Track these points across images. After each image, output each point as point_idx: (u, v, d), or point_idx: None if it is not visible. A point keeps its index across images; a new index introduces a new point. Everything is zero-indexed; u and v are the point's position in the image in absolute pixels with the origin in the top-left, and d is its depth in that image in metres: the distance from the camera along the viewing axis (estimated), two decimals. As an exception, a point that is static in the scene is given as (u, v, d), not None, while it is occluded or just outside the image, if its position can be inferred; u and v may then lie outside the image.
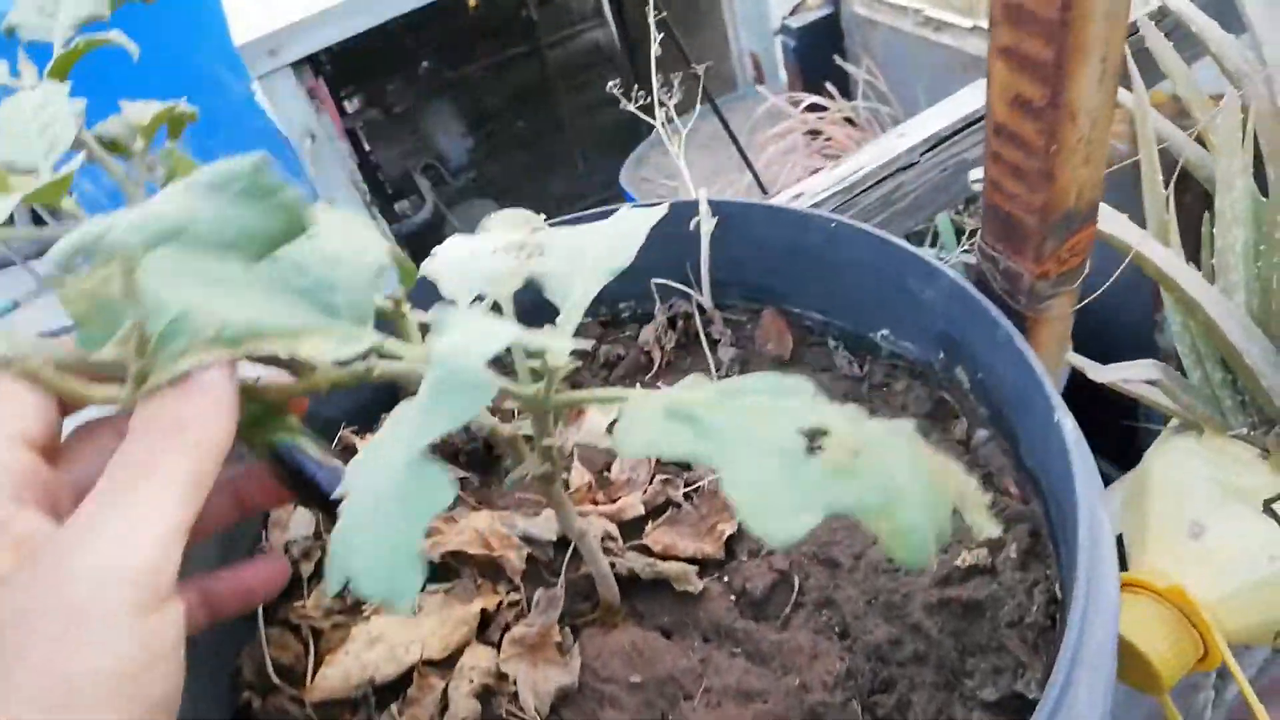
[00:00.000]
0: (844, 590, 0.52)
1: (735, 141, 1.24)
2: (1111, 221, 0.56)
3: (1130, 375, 0.67)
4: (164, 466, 0.31)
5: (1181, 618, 0.68)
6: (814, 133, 1.56)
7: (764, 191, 1.29)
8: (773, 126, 1.67)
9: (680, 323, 0.67)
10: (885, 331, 0.60)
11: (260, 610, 0.55)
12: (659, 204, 0.50)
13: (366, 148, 2.24)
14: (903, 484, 0.30)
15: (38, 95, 0.44)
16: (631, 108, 0.74)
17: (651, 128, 0.79)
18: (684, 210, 0.63)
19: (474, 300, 0.45)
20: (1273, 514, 0.64)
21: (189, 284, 0.36)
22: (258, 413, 0.41)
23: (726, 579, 0.56)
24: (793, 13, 1.72)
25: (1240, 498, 0.67)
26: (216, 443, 0.33)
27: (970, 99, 0.80)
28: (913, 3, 1.60)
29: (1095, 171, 0.43)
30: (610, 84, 0.75)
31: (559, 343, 0.40)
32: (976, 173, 0.58)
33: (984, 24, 1.47)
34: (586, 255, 0.47)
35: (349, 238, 0.41)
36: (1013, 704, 0.44)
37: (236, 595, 0.42)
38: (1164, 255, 0.58)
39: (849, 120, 1.58)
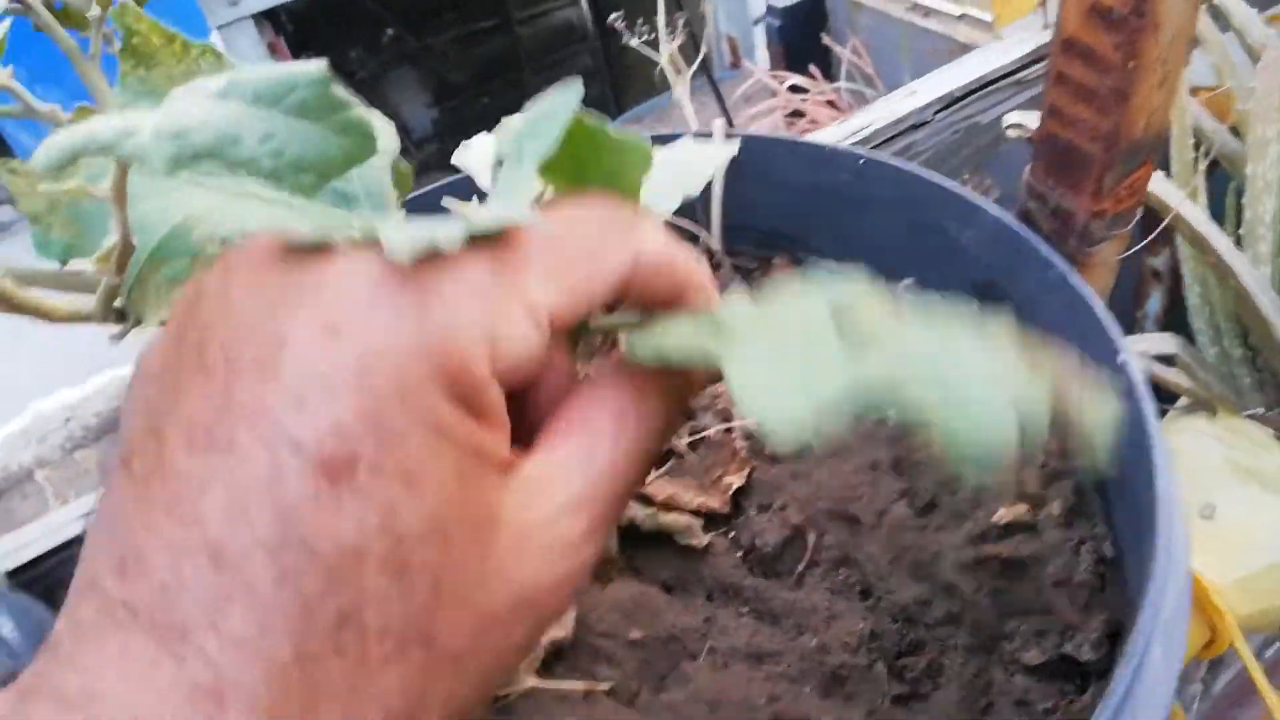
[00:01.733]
0: (865, 548, 0.49)
1: (725, 113, 1.20)
2: (1152, 182, 0.54)
3: (1148, 348, 0.65)
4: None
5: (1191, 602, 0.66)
6: (797, 114, 1.53)
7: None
8: (751, 108, 1.64)
9: (686, 266, 0.62)
10: (909, 281, 0.56)
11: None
12: (733, 139, 0.45)
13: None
14: (967, 367, 0.25)
15: None
16: (635, 43, 0.70)
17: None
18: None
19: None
20: (1290, 492, 0.61)
21: (187, 188, 0.30)
22: None
23: (733, 534, 0.52)
24: (778, -8, 1.69)
25: (1255, 479, 0.65)
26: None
27: (984, 61, 0.77)
28: (900, -11, 1.58)
29: (1168, 97, 0.40)
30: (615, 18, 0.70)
31: None
32: (1014, 116, 0.54)
33: (973, 11, 1.45)
34: (654, 179, 0.42)
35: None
36: (1060, 668, 0.41)
37: None
38: (1200, 217, 0.55)
39: (831, 103, 1.55)
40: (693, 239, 0.62)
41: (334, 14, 2.23)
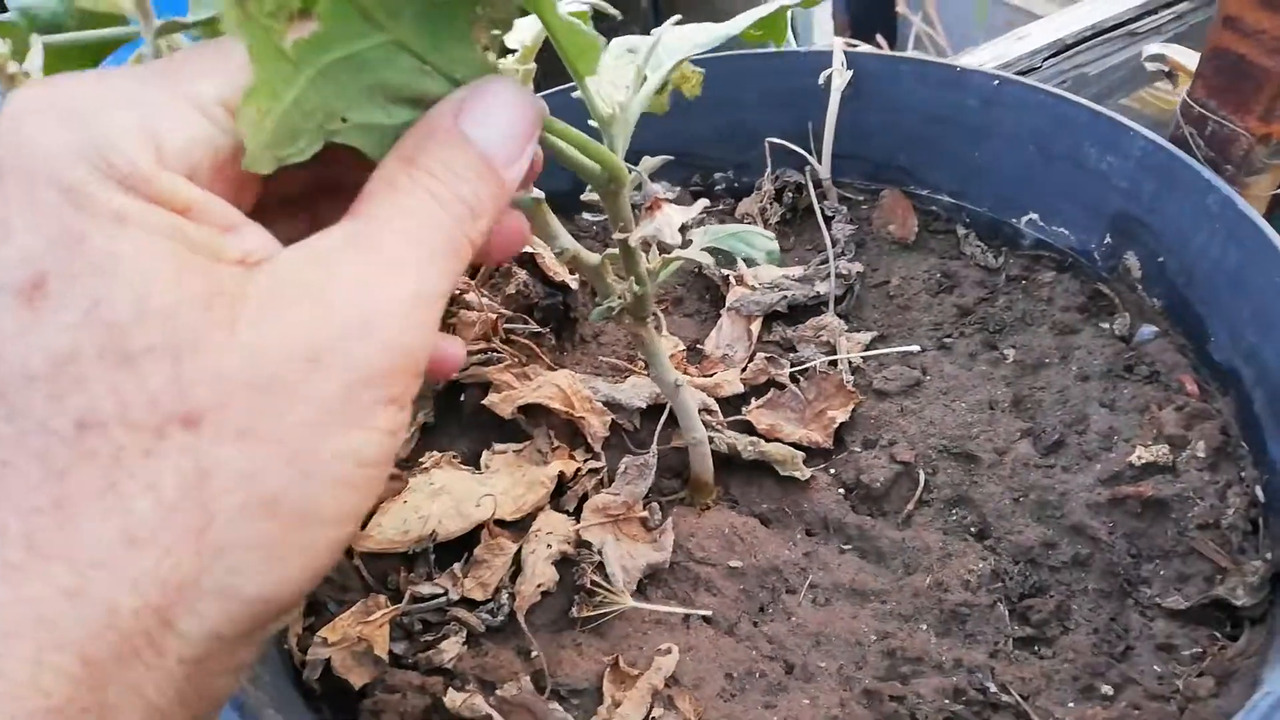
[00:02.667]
0: (983, 487, 0.46)
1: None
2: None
3: None
4: (432, 232, 0.23)
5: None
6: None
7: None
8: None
9: (789, 196, 0.60)
10: (1033, 216, 0.53)
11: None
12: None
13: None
14: None
15: None
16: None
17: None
18: (811, 61, 0.56)
19: None
20: None
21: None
22: None
23: (835, 471, 0.49)
24: (851, -41, 1.65)
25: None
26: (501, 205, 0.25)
27: (1097, 9, 0.74)
28: (979, -41, 1.53)
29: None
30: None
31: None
32: (1154, 47, 0.51)
33: (1056, -15, 1.41)
34: (696, 31, 0.39)
35: None
36: (1208, 615, 0.38)
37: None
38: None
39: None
40: (800, 165, 0.59)
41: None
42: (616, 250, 0.37)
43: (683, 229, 0.35)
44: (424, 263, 0.23)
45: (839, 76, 0.55)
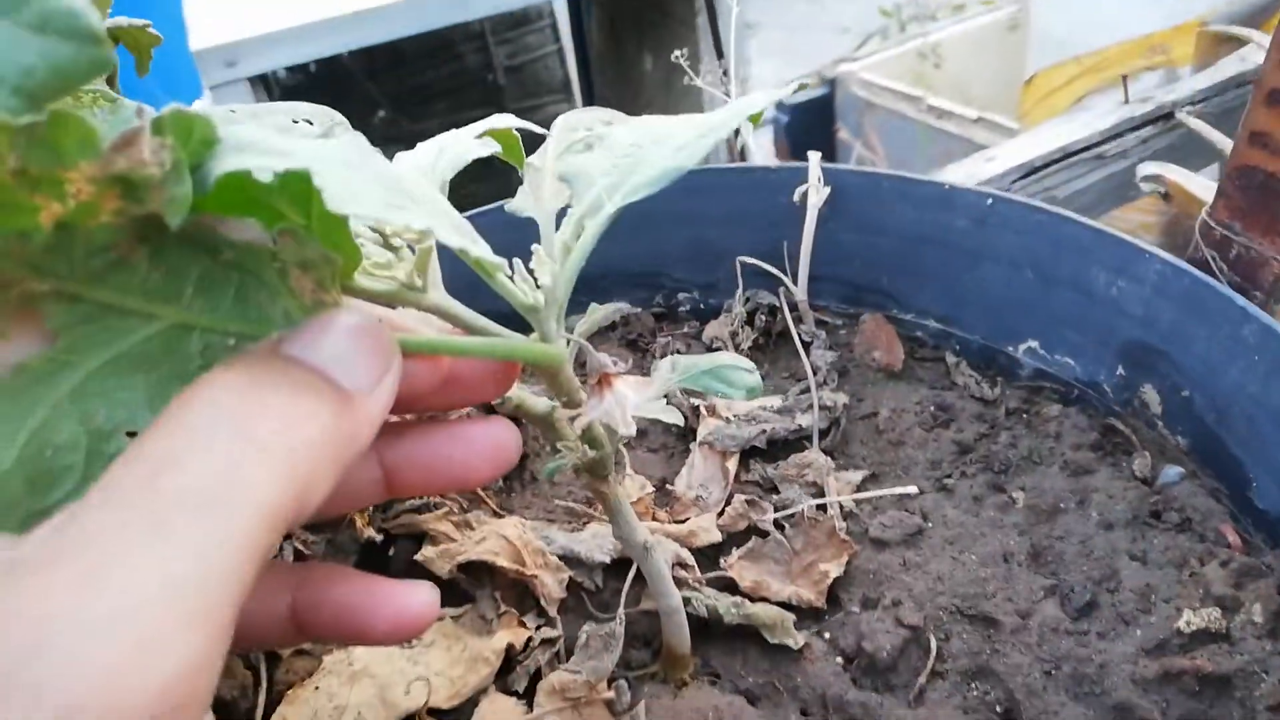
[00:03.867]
0: (1006, 656, 0.39)
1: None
2: None
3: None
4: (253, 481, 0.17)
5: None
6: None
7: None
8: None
9: (762, 319, 0.54)
10: (1033, 344, 0.48)
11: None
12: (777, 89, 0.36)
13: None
14: None
15: None
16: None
17: None
18: (786, 177, 0.52)
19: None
20: None
21: None
22: None
23: (831, 636, 0.42)
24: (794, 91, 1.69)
25: None
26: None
27: (1065, 133, 0.72)
28: (915, 90, 1.57)
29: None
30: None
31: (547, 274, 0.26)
32: (1147, 168, 0.48)
33: (989, 115, 1.44)
34: (645, 150, 0.33)
35: None
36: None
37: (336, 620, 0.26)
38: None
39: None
40: (773, 286, 0.54)
41: (331, 91, 2.20)
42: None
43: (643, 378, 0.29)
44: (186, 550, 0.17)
45: (816, 193, 0.51)
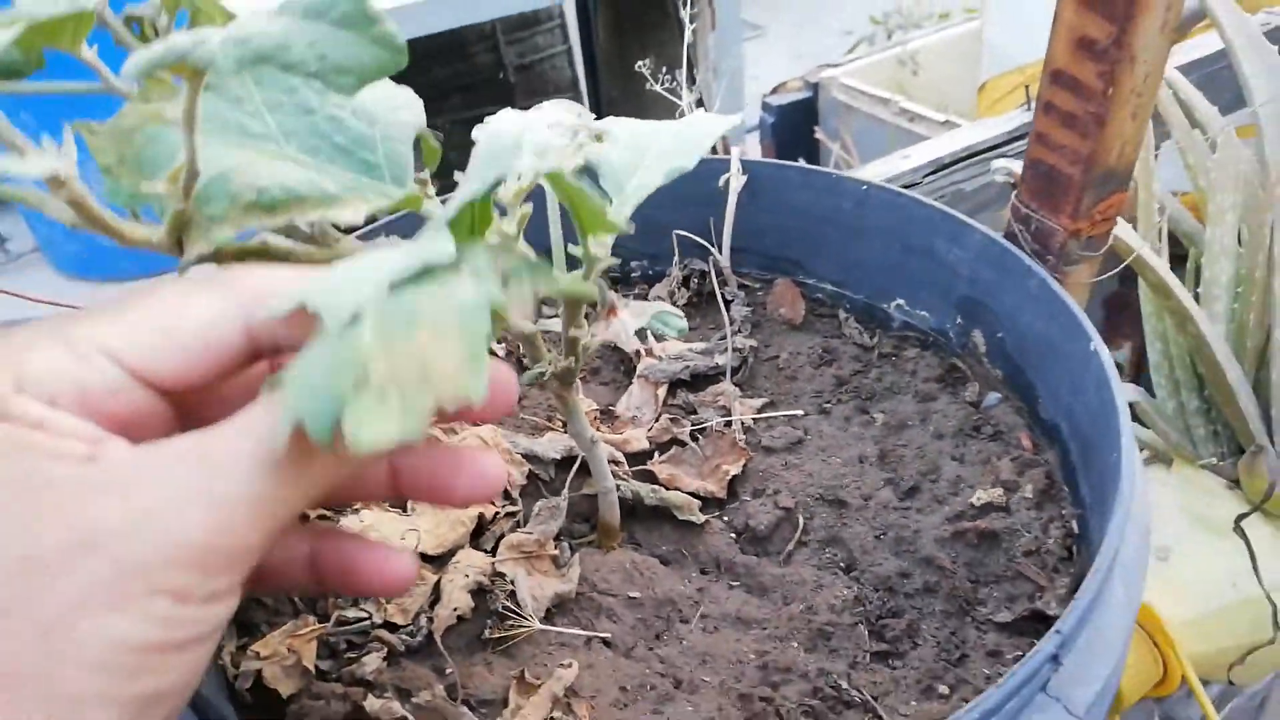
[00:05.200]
0: (851, 528, 0.52)
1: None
2: (1118, 227, 0.60)
3: (1110, 396, 0.70)
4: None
5: (1144, 638, 0.69)
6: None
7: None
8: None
9: (695, 282, 0.67)
10: (900, 301, 0.61)
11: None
12: (730, 116, 0.50)
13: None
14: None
15: None
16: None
17: None
18: (714, 167, 0.65)
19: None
20: (1242, 533, 0.66)
21: (233, 140, 0.35)
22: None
23: (728, 518, 0.55)
24: (773, 92, 1.80)
25: (1208, 526, 0.70)
26: None
27: (971, 134, 0.85)
28: (890, 94, 1.69)
29: (1139, 130, 0.46)
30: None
31: (617, 219, 0.39)
32: (1001, 163, 0.61)
33: (956, 119, 1.56)
34: (649, 150, 0.47)
35: (384, 93, 0.41)
36: (1029, 626, 0.44)
37: (343, 575, 0.33)
38: (1161, 265, 0.62)
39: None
40: (701, 256, 0.67)
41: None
42: (555, 320, 0.44)
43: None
44: (252, 469, 0.24)
45: (736, 180, 0.64)
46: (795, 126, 1.83)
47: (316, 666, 0.46)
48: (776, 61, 3.72)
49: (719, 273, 0.67)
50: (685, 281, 0.68)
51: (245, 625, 0.48)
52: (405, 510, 0.54)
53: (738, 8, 2.11)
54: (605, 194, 0.44)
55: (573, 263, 0.42)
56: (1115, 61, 0.43)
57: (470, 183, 0.34)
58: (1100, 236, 0.51)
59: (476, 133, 0.47)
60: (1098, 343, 0.45)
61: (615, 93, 2.67)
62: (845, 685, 0.43)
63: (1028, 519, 0.48)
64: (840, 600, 0.49)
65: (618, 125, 0.48)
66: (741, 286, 0.68)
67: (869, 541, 0.51)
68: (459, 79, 2.59)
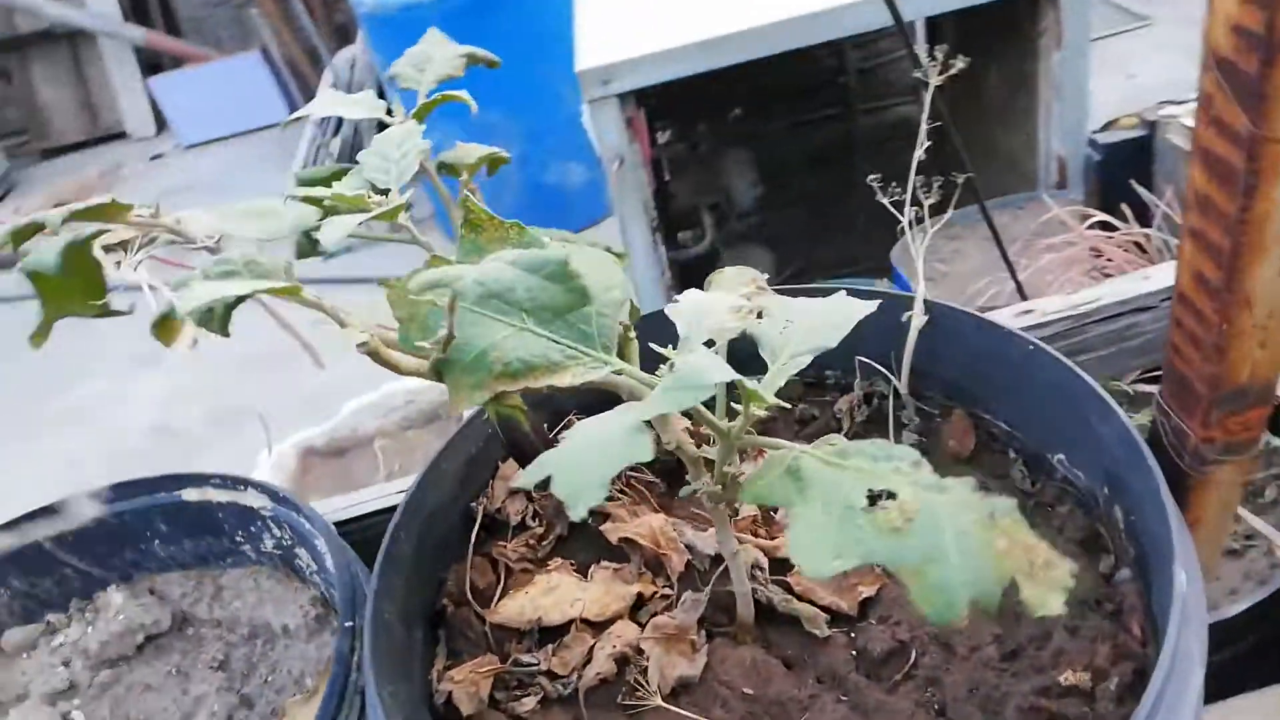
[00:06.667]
0: (953, 675, 0.57)
1: (1000, 246, 1.26)
2: None
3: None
4: None
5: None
6: (1096, 252, 1.54)
7: (1023, 297, 1.30)
8: (1046, 239, 1.66)
9: (875, 401, 0.73)
10: (1061, 456, 0.63)
11: (473, 539, 0.68)
12: (873, 299, 0.57)
13: (666, 177, 2.42)
14: (945, 547, 0.37)
15: (400, 132, 0.60)
16: (884, 201, 0.82)
17: (935, 212, 0.85)
18: (900, 304, 0.70)
19: (704, 343, 0.55)
20: None
21: (490, 325, 0.49)
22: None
23: (853, 635, 0.62)
24: (1104, 128, 1.70)
25: None
26: None
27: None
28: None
29: (1271, 356, 0.46)
30: (870, 177, 0.82)
31: (765, 394, 0.49)
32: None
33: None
34: (798, 327, 0.56)
35: (600, 275, 0.53)
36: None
37: None
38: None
39: (1139, 245, 1.54)
40: (885, 378, 0.73)
41: (688, 94, 2.49)
42: (716, 450, 0.54)
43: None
44: None
45: (917, 319, 0.69)
46: (1122, 168, 1.72)
47: (492, 696, 0.61)
48: (1165, 59, 3.36)
49: (898, 396, 0.72)
50: (867, 399, 0.74)
51: (453, 651, 0.64)
52: (586, 576, 0.67)
53: (1087, 27, 1.99)
54: (760, 359, 0.54)
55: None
56: (1228, 303, 0.44)
57: (675, 393, 0.45)
58: (1242, 443, 0.51)
59: (671, 311, 0.58)
60: (1180, 565, 0.46)
61: (952, 105, 2.59)
62: (881, 824, 0.50)
63: (1105, 712, 0.51)
64: (919, 741, 0.54)
65: (774, 303, 0.57)
66: (920, 411, 0.72)
67: (963, 692, 0.56)
68: (798, 83, 2.67)
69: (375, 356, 0.50)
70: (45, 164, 5.03)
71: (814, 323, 0.56)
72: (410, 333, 0.49)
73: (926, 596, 0.38)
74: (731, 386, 0.52)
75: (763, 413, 0.51)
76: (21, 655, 0.78)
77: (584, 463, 0.41)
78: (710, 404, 0.53)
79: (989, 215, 1.25)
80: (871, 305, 0.55)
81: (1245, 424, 0.49)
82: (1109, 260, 1.55)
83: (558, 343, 0.49)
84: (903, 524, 0.39)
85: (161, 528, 0.77)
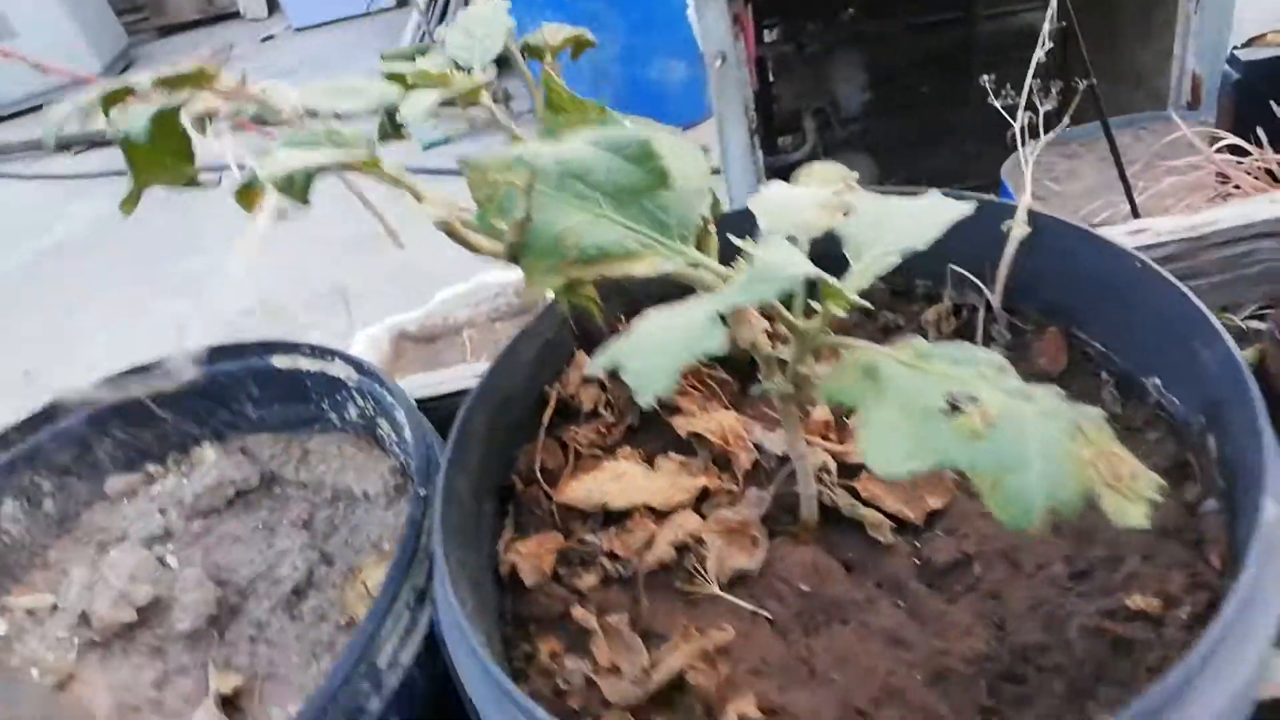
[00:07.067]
0: (1016, 590, 0.56)
1: (1118, 162, 1.19)
2: None
3: None
4: None
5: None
6: (1223, 177, 1.44)
7: (1136, 217, 1.23)
8: (1170, 160, 1.56)
9: (965, 314, 0.71)
10: (1157, 380, 0.60)
11: (545, 422, 0.69)
12: (969, 200, 0.55)
13: (770, 79, 2.34)
14: (1027, 455, 0.36)
15: (486, 9, 0.58)
16: (996, 104, 0.77)
17: (1050, 125, 0.81)
18: (1000, 211, 0.67)
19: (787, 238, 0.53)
20: None
21: (567, 209, 0.48)
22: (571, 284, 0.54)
23: (917, 545, 0.62)
24: (1247, 44, 1.57)
25: None
26: None
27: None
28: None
29: None
30: (984, 77, 0.78)
31: (847, 293, 0.48)
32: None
33: None
34: (886, 227, 0.54)
35: (681, 163, 0.51)
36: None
37: None
38: None
39: (1270, 173, 1.44)
40: (978, 290, 0.70)
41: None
42: (790, 349, 0.53)
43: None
44: None
45: (1019, 229, 0.66)
46: (1263, 89, 1.59)
47: (555, 570, 0.63)
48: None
49: (990, 309, 0.69)
50: (957, 311, 0.71)
51: (520, 526, 0.66)
52: (652, 466, 0.68)
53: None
54: (846, 260, 0.53)
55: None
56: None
57: (756, 285, 0.44)
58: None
59: (753, 202, 0.56)
60: (1272, 496, 0.44)
61: (1080, 15, 2.46)
62: (925, 726, 0.50)
63: (1173, 638, 0.49)
64: (976, 652, 0.54)
65: (864, 201, 0.55)
66: (1012, 327, 0.70)
67: (1024, 608, 0.55)
68: (916, -16, 2.51)
69: (452, 235, 0.50)
70: (162, 41, 5.16)
71: (904, 223, 0.53)
72: (486, 214, 0.49)
73: (1003, 504, 0.37)
74: (812, 286, 0.51)
75: (843, 313, 0.50)
76: (123, 500, 0.83)
77: (654, 351, 0.41)
78: (789, 302, 0.52)
79: (1108, 126, 1.18)
80: (968, 207, 0.53)
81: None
82: (1236, 187, 1.45)
83: (634, 230, 0.49)
84: (984, 429, 0.38)
85: (254, 391, 0.81)
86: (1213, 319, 0.53)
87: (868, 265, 0.52)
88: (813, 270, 0.45)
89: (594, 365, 0.41)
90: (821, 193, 0.56)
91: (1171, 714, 0.40)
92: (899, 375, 0.42)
